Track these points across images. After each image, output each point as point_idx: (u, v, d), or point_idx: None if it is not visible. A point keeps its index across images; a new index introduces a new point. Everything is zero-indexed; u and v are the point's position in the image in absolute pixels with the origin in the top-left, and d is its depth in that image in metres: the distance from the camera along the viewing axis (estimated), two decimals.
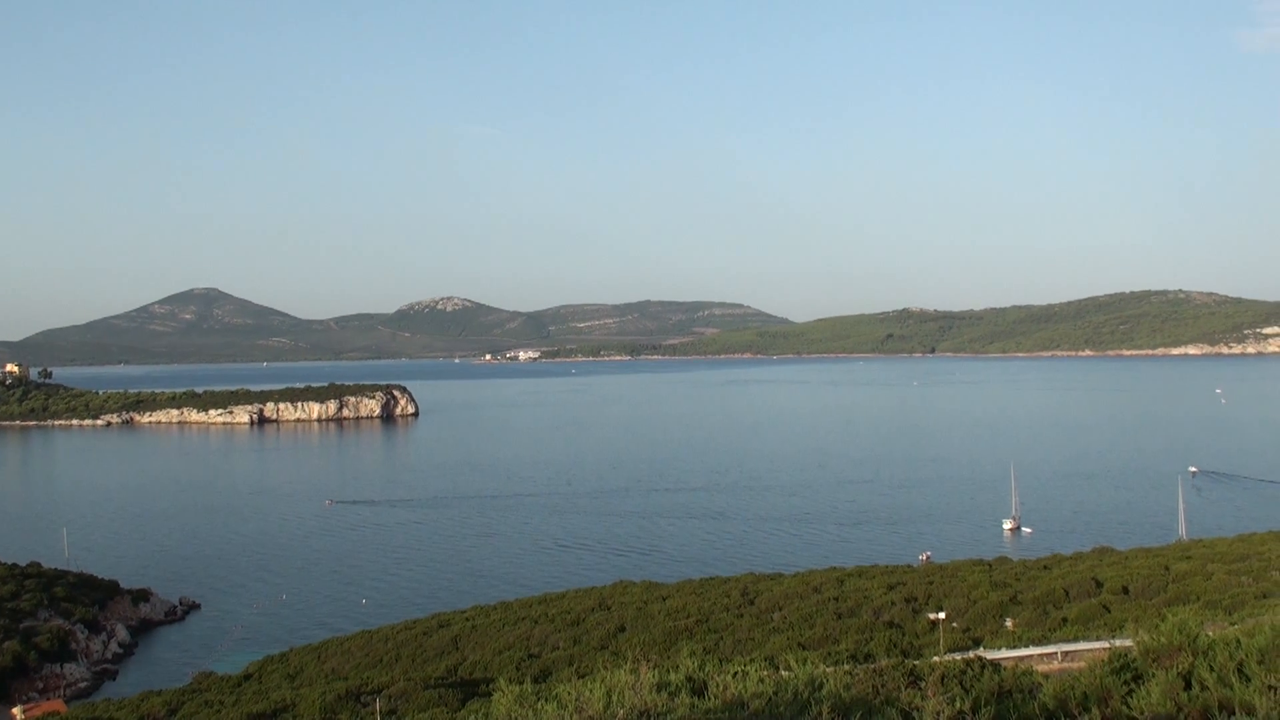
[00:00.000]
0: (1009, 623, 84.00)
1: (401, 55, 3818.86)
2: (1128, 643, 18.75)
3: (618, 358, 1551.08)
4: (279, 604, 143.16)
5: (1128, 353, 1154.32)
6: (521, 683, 18.32)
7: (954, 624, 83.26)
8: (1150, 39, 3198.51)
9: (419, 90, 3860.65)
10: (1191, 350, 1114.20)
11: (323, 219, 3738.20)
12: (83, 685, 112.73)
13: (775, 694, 15.47)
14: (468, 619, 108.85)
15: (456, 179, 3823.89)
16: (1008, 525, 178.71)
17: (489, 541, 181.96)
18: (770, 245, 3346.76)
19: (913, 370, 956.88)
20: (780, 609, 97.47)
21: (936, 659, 34.48)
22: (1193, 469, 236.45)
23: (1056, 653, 62.93)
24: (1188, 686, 16.22)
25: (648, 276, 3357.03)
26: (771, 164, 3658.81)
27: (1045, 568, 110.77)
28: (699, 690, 16.37)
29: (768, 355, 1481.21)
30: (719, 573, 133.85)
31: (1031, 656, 61.59)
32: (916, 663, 28.05)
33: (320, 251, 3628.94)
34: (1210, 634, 18.37)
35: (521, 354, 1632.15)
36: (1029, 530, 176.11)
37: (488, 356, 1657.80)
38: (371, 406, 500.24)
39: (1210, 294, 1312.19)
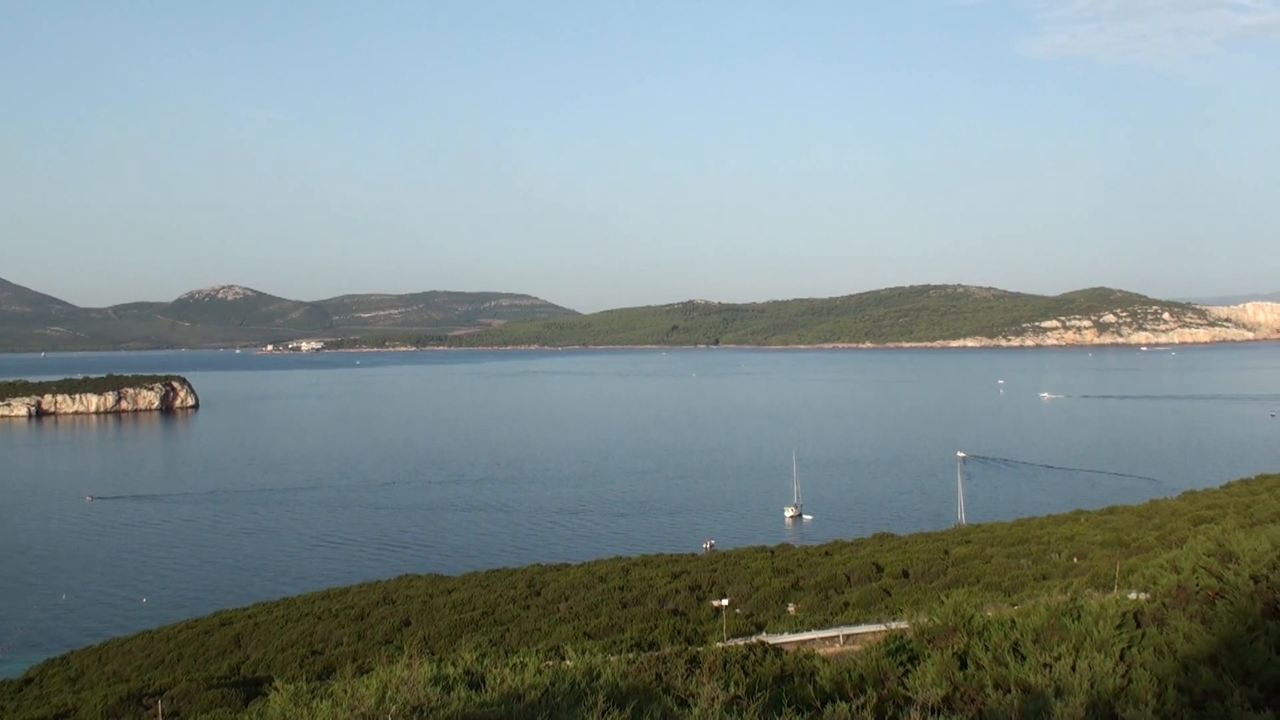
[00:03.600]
0: (791, 608, 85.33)
1: (182, 36, 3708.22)
2: (905, 625, 18.90)
3: (403, 349, 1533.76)
4: (58, 605, 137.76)
5: (907, 345, 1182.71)
6: (296, 681, 17.68)
7: (738, 610, 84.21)
8: (931, 43, 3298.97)
9: (200, 73, 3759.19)
10: (970, 343, 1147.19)
11: (102, 204, 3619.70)
12: None
13: (552, 685, 15.19)
14: (250, 616, 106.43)
15: (239, 164, 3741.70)
16: (789, 512, 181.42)
17: (270, 537, 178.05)
18: (558, 237, 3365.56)
19: (697, 361, 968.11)
20: (566, 599, 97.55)
21: (720, 645, 34.63)
22: (961, 454, 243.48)
23: (839, 636, 64.11)
24: (963, 666, 16.37)
25: (434, 267, 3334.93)
26: (559, 156, 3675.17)
27: (827, 554, 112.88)
28: (476, 683, 15.98)
29: (555, 346, 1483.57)
30: (505, 564, 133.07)
31: (814, 640, 62.59)
32: (699, 649, 28.05)
33: (99, 238, 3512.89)
34: (988, 615, 18.62)
35: (304, 345, 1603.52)
36: (810, 517, 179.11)
37: (269, 347, 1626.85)
38: (150, 398, 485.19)
39: (989, 289, 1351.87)
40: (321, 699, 16.06)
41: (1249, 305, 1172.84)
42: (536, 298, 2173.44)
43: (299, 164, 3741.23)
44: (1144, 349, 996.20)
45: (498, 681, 15.66)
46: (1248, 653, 15.34)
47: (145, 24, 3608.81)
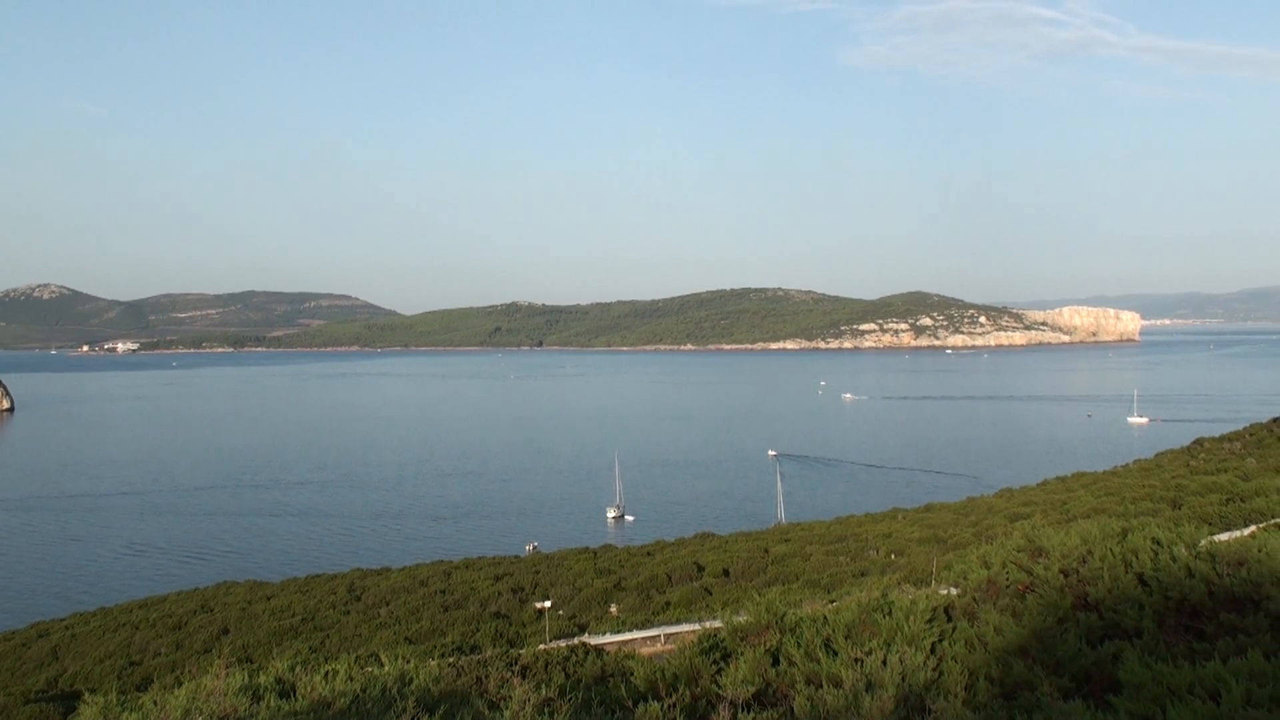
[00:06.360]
0: (614, 609, 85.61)
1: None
2: (720, 624, 19.06)
3: (221, 350, 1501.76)
4: None
5: (728, 347, 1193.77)
6: (106, 694, 17.32)
7: (560, 612, 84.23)
8: (753, 51, 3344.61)
9: (13, 63, 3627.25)
10: (790, 345, 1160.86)
11: None
12: None
13: (363, 691, 14.98)
14: (67, 627, 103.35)
15: (55, 157, 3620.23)
16: (611, 513, 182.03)
17: (86, 544, 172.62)
18: (380, 237, 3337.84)
19: (520, 363, 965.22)
20: (387, 604, 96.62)
21: (542, 647, 34.55)
22: (771, 452, 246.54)
23: (660, 635, 64.42)
24: (776, 663, 16.53)
25: (253, 266, 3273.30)
26: (382, 155, 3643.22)
27: (649, 554, 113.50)
28: (287, 692, 15.69)
29: (375, 348, 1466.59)
30: (325, 569, 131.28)
31: (635, 640, 62.84)
32: (521, 652, 27.93)
33: None
34: (801, 611, 18.83)
35: (120, 345, 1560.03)
36: (632, 518, 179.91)
37: (84, 348, 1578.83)
38: None
39: (808, 292, 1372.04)
40: (130, 711, 15.76)
41: (1065, 309, 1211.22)
42: (357, 298, 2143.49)
43: (118, 159, 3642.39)
44: (949, 352, 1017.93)
45: (308, 689, 15.42)
46: (1058, 644, 15.74)
47: None
